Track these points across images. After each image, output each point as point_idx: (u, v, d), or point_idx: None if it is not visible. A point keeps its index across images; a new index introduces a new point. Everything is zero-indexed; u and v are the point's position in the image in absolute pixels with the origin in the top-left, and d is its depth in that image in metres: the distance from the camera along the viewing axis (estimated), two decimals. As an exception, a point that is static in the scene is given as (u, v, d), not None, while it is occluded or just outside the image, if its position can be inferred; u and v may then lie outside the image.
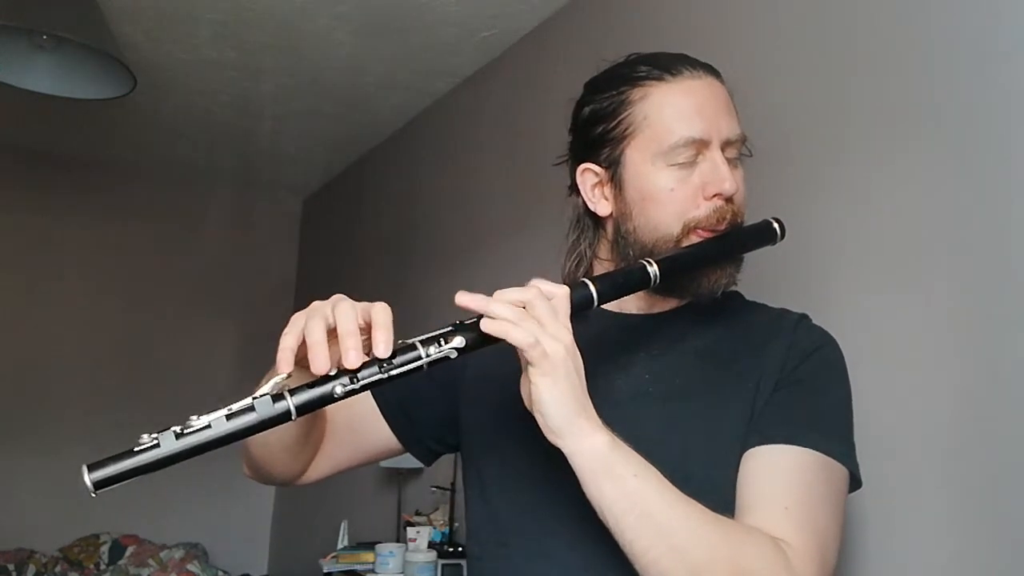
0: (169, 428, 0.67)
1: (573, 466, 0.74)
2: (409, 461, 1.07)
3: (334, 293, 0.77)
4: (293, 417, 0.70)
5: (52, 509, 3.78)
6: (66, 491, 3.83)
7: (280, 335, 0.73)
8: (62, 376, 3.96)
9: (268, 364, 0.78)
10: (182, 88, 3.18)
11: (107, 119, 3.46)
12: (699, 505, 0.75)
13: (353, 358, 0.69)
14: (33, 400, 3.86)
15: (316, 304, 0.74)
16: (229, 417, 0.68)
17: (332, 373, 0.71)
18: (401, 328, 0.75)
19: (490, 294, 0.77)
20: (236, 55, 2.87)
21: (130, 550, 3.76)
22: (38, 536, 3.74)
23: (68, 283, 4.06)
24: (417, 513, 2.70)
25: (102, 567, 3.69)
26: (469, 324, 0.75)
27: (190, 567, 3.60)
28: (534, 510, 0.89)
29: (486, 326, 0.73)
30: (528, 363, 0.73)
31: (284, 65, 2.94)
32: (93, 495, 0.66)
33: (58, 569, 3.65)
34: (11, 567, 3.55)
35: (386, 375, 0.71)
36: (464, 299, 0.74)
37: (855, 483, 0.88)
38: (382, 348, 0.70)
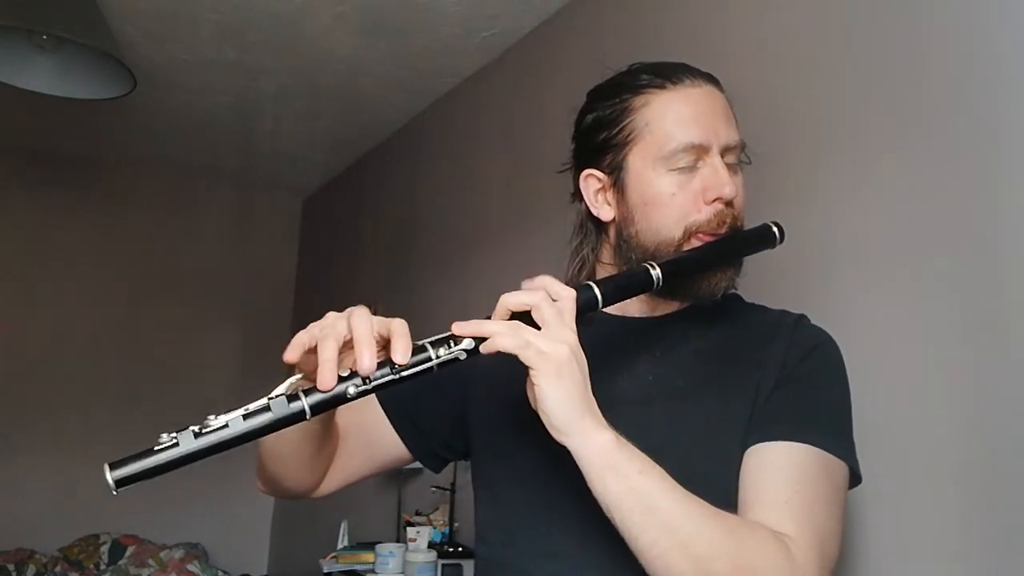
0: (188, 427, 0.69)
1: (579, 463, 0.76)
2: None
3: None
4: (308, 416, 0.72)
5: (52, 509, 3.78)
6: (66, 491, 3.88)
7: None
8: (62, 376, 3.95)
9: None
10: (182, 88, 3.18)
11: (107, 119, 3.46)
12: (702, 501, 0.76)
13: (367, 364, 0.71)
14: (33, 400, 3.86)
15: (331, 316, 0.76)
16: (246, 417, 0.71)
17: (345, 375, 0.73)
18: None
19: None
20: (236, 55, 2.87)
21: (130, 550, 3.76)
22: (38, 536, 3.74)
23: (68, 283, 4.06)
24: (417, 513, 2.70)
25: (102, 567, 3.69)
26: None
27: (190, 567, 3.60)
28: (542, 510, 0.91)
29: (484, 348, 0.75)
30: (528, 367, 0.75)
31: (284, 65, 2.94)
32: (115, 493, 0.68)
33: (58, 569, 3.65)
34: (11, 567, 3.55)
35: (397, 375, 0.73)
36: (460, 328, 0.76)
37: (855, 479, 0.89)
38: (400, 355, 0.73)
